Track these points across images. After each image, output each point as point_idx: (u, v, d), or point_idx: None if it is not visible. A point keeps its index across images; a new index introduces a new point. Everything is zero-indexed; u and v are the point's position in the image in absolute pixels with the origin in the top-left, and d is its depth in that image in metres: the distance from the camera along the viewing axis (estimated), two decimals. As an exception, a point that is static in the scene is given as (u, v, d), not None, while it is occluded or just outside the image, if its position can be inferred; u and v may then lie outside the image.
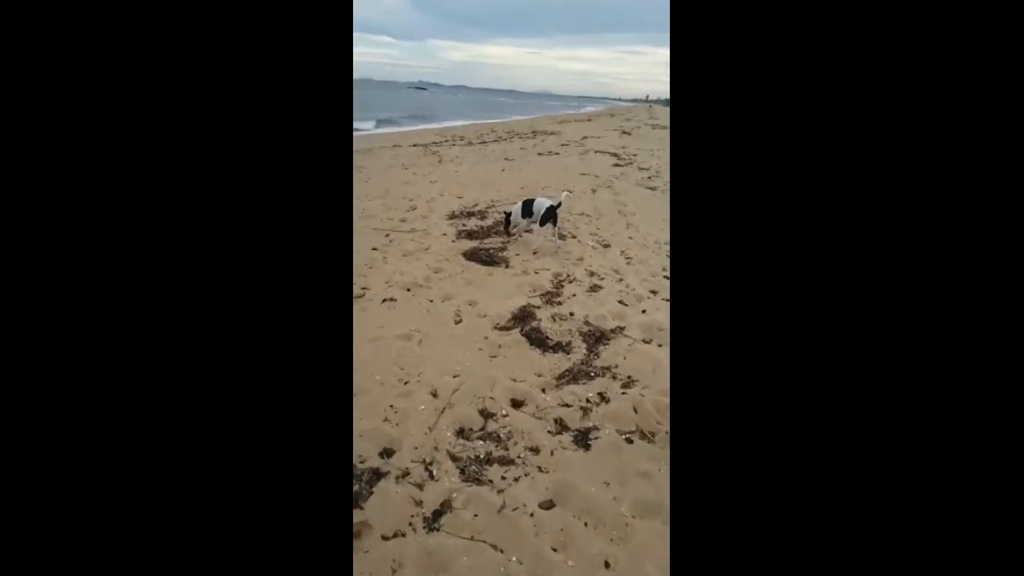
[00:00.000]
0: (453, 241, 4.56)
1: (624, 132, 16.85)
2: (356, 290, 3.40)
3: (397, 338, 2.74)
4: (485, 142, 12.26)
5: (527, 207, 4.48)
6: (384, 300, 3.25)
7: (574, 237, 4.96)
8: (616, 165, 9.40)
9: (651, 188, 7.64)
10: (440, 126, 17.95)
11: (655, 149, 11.97)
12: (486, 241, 4.60)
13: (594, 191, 7.19)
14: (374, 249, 4.24)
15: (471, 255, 4.18)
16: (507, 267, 4.02)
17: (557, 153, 10.50)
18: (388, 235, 4.62)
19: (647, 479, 1.79)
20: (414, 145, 10.95)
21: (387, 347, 2.62)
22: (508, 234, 4.64)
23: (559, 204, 4.53)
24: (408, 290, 3.47)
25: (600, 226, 5.49)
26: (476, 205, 5.89)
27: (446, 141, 12.19)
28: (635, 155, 10.63)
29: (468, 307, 3.22)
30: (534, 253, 4.39)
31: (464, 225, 5.07)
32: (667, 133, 13.89)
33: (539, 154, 10.29)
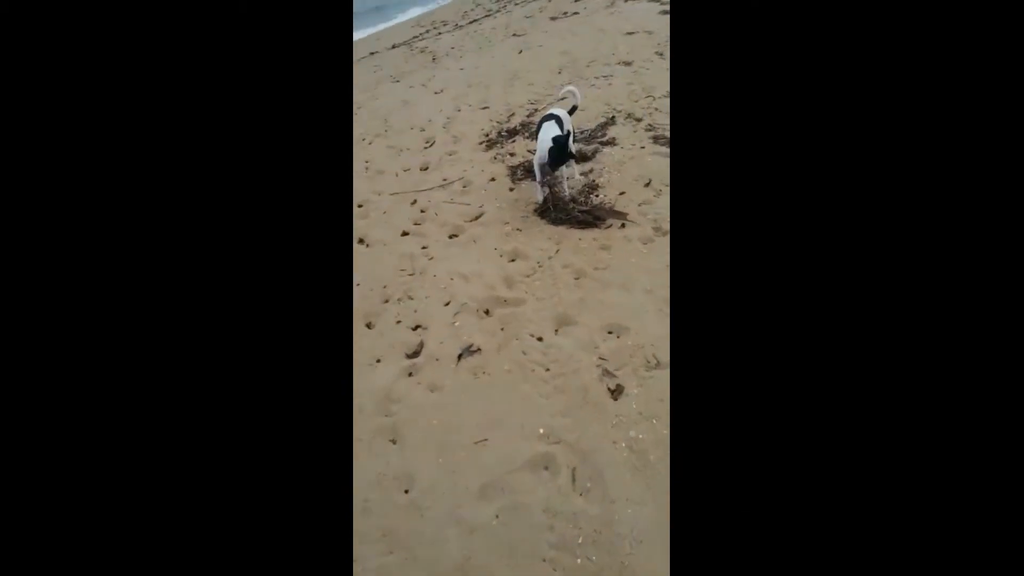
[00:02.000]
0: (511, 189, 2.98)
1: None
2: (411, 346, 1.98)
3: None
4: (476, 20, 9.72)
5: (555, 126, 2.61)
6: (469, 366, 1.84)
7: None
8: (663, 13, 7.05)
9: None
10: (408, 16, 14.81)
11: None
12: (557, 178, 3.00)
13: (660, 55, 5.19)
14: (404, 235, 2.73)
15: (554, 214, 2.63)
16: (623, 225, 2.47)
17: (576, 12, 8.08)
18: (414, 201, 3.06)
19: None
20: (393, 47, 8.66)
21: None
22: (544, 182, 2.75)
23: (573, 109, 2.81)
24: (487, 314, 2.04)
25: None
26: (512, 115, 4.14)
27: (427, 32, 9.72)
28: (676, -10, 8.12)
29: (631, 349, 1.78)
30: (647, 185, 2.79)
31: (512, 155, 3.42)
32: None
33: (552, 19, 7.92)
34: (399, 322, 2.10)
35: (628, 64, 5.05)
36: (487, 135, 3.83)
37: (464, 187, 3.13)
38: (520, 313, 2.00)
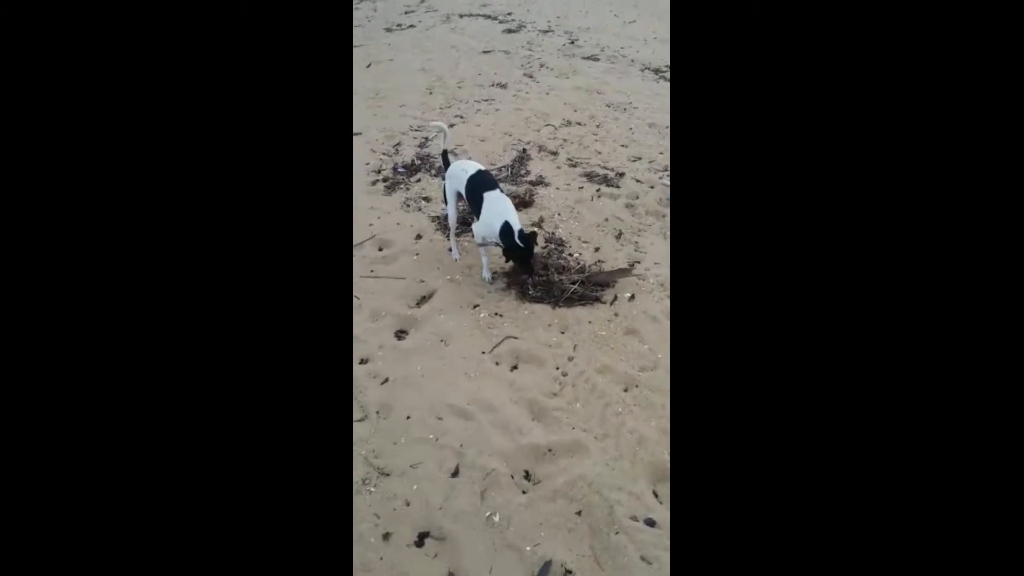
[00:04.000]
0: (451, 250, 2.20)
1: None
2: None
3: None
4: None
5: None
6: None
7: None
8: (509, 31, 6.84)
9: (593, 59, 5.51)
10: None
11: (518, 2, 9.34)
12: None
13: (530, 76, 4.87)
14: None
15: (533, 291, 1.96)
16: (632, 297, 1.94)
17: (412, 25, 7.39)
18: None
19: None
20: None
21: None
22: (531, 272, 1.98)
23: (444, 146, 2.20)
24: (528, 479, 1.30)
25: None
26: (399, 145, 3.30)
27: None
28: (510, 14, 8.02)
29: None
30: (619, 237, 2.32)
31: (427, 199, 2.63)
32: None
33: (387, 30, 7.10)
34: (389, 536, 1.19)
35: (503, 87, 4.60)
36: (378, 171, 2.93)
37: (381, 250, 2.23)
38: (587, 472, 1.29)
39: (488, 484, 1.28)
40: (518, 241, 1.80)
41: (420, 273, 2.07)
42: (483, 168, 2.03)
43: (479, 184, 1.95)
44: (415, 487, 1.28)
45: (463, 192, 2.01)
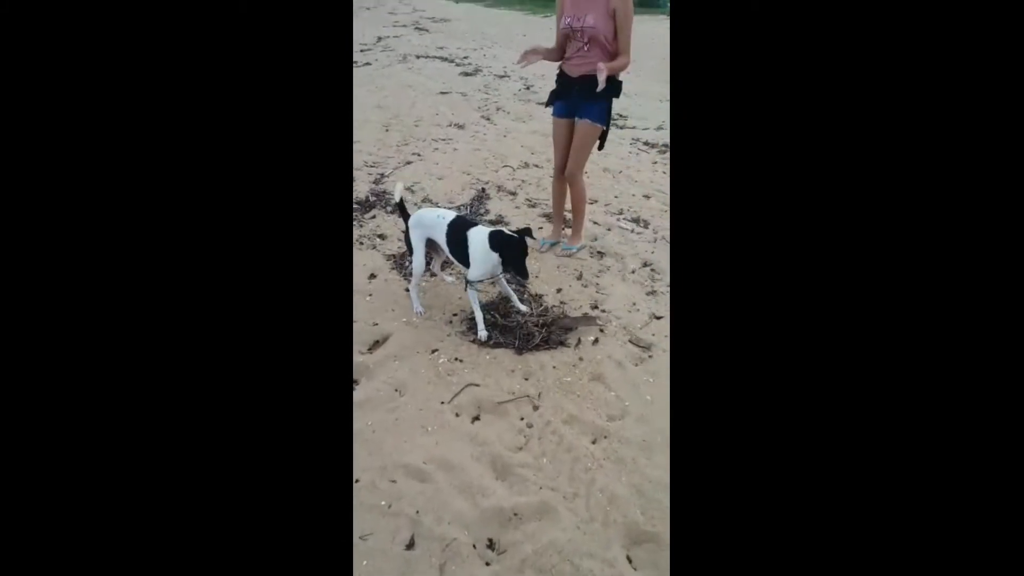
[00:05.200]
0: (409, 291, 2.09)
1: (418, 28, 13.50)
2: None
3: None
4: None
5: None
6: None
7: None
8: (465, 75, 6.98)
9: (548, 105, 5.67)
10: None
11: (475, 48, 9.65)
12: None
13: (487, 119, 4.94)
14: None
15: (497, 335, 1.87)
16: (596, 340, 1.88)
17: (368, 63, 7.41)
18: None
19: None
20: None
21: None
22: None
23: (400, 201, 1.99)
24: (492, 548, 1.16)
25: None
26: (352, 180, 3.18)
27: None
28: (467, 58, 8.23)
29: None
30: (579, 279, 2.29)
31: (382, 237, 2.52)
32: (465, 27, 11.49)
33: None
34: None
35: (461, 127, 4.63)
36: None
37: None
38: (557, 538, 1.18)
39: (448, 557, 1.14)
40: (513, 233, 1.71)
41: (373, 315, 1.94)
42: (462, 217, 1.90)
43: (461, 226, 1.81)
44: (364, 563, 1.12)
45: (441, 240, 1.84)
